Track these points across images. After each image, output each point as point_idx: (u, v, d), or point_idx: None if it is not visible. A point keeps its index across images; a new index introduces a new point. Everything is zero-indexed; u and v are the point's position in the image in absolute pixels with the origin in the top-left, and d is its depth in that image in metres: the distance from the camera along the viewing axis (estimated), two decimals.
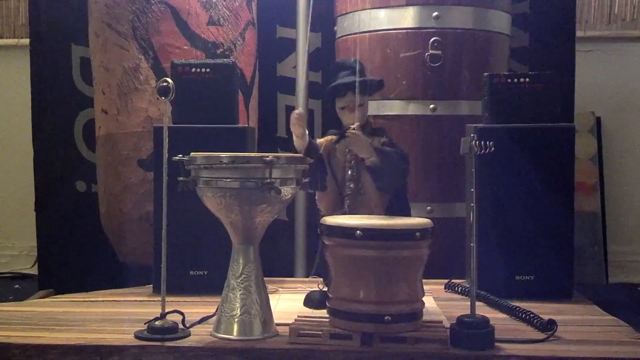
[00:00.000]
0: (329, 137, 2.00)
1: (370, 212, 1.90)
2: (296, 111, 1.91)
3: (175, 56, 2.52)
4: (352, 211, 1.92)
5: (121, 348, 1.64)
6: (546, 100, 2.22)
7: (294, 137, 1.91)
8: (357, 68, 1.94)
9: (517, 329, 1.80)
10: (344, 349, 1.61)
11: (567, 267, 2.16)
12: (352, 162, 1.94)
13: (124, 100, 2.61)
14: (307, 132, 1.92)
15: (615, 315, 1.96)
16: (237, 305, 1.69)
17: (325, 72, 3.01)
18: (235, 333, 1.68)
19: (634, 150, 3.72)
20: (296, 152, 1.89)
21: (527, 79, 2.23)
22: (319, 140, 1.98)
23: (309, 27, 2.19)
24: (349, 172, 1.94)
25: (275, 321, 1.74)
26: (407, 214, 1.94)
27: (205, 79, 2.27)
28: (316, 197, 1.98)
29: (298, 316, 1.76)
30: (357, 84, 1.90)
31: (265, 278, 1.76)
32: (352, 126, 1.91)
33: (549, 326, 1.75)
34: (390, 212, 1.90)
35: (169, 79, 1.76)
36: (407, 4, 2.60)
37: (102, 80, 2.69)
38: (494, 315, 1.88)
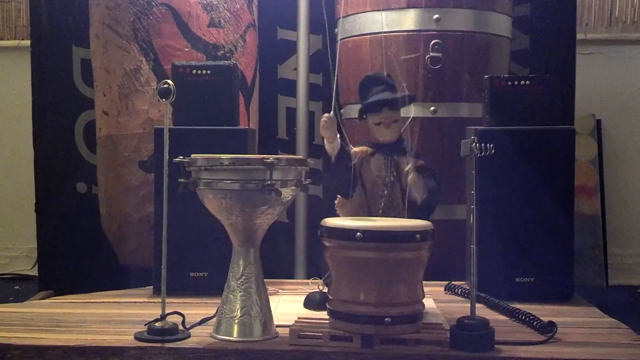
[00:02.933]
0: (363, 148, 1.99)
1: None
2: (326, 114, 1.90)
3: (176, 58, 2.52)
4: None
5: (121, 349, 1.64)
6: (546, 102, 2.22)
7: (325, 141, 1.91)
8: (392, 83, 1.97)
9: (517, 330, 1.81)
10: (344, 351, 1.61)
11: (567, 269, 2.16)
12: (389, 182, 1.94)
13: (124, 101, 2.61)
14: (338, 136, 1.92)
15: (615, 317, 1.96)
16: (238, 306, 1.69)
17: (326, 74, 3.01)
18: (235, 334, 1.68)
19: (635, 153, 3.73)
20: (298, 155, 1.89)
21: (527, 82, 2.23)
22: (354, 150, 1.98)
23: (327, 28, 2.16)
24: (385, 192, 1.94)
25: (276, 323, 1.75)
26: None
27: (206, 80, 2.27)
28: (336, 202, 1.96)
29: (298, 318, 1.76)
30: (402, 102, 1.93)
31: (265, 279, 1.76)
32: (408, 168, 1.89)
33: (549, 328, 1.75)
34: None
35: (169, 81, 1.77)
36: (408, 7, 2.60)
37: (103, 81, 2.69)
38: (494, 317, 1.88)
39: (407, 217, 1.90)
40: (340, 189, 1.93)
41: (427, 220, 1.88)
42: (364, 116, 1.98)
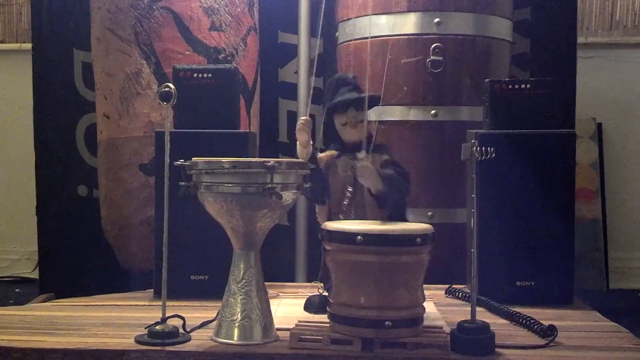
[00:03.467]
0: (329, 153, 1.98)
1: None
2: (303, 117, 1.90)
3: (177, 61, 2.52)
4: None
5: (122, 352, 1.64)
6: (547, 106, 2.22)
7: (298, 145, 1.90)
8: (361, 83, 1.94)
9: (518, 334, 1.80)
10: (345, 354, 1.61)
11: (567, 272, 2.16)
12: (352, 181, 1.93)
13: (125, 105, 2.62)
14: (311, 141, 1.91)
15: (615, 321, 1.96)
16: (238, 310, 1.69)
17: (327, 78, 3.01)
18: (235, 338, 1.68)
19: (635, 157, 3.73)
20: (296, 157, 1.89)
21: (528, 85, 2.23)
22: (320, 155, 1.96)
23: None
24: (349, 189, 1.93)
25: (276, 326, 1.75)
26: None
27: (207, 84, 2.27)
28: (317, 210, 1.98)
29: (299, 321, 1.76)
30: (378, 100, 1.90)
31: (265, 283, 1.76)
32: (360, 156, 1.87)
33: (549, 332, 1.75)
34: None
35: (170, 84, 1.77)
36: (409, 10, 2.60)
37: (104, 85, 2.69)
38: (494, 321, 1.88)
39: (373, 214, 1.88)
40: (313, 196, 1.92)
41: (401, 208, 1.87)
42: (331, 117, 1.97)
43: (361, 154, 1.88)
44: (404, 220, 1.89)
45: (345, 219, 1.91)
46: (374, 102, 1.95)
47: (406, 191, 1.92)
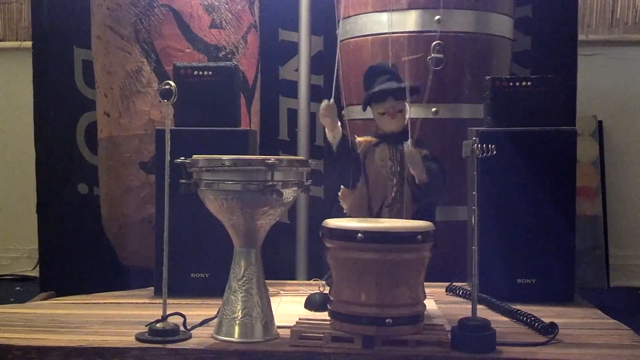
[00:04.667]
0: (368, 138, 1.97)
1: None
2: (325, 101, 1.88)
3: (177, 59, 2.52)
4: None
5: (122, 350, 1.64)
6: (548, 103, 2.22)
7: (326, 130, 1.89)
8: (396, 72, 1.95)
9: (519, 332, 1.80)
10: (346, 352, 1.61)
11: (568, 270, 2.16)
12: (396, 172, 1.93)
13: (126, 103, 2.62)
14: (339, 123, 1.89)
15: (616, 318, 1.96)
16: (239, 307, 1.69)
17: (328, 75, 3.01)
18: (236, 335, 1.68)
19: (636, 154, 3.72)
20: (299, 156, 1.89)
21: (529, 83, 2.23)
22: (358, 139, 1.96)
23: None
24: (393, 180, 1.93)
25: (277, 324, 1.75)
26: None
27: (207, 81, 2.27)
28: (340, 194, 1.94)
29: (299, 319, 1.76)
30: (407, 90, 1.90)
31: (266, 280, 1.76)
32: (407, 144, 1.87)
33: (550, 329, 1.75)
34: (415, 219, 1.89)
35: (171, 82, 1.77)
36: (409, 8, 2.60)
37: (105, 83, 2.69)
38: (495, 318, 1.88)
39: (413, 205, 1.88)
40: (343, 180, 1.92)
41: (430, 209, 1.87)
42: (369, 106, 1.97)
43: (407, 142, 1.87)
44: (432, 218, 1.89)
45: (390, 211, 1.90)
46: (413, 91, 1.94)
47: (444, 188, 1.93)
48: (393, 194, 1.92)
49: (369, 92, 1.95)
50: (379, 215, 1.92)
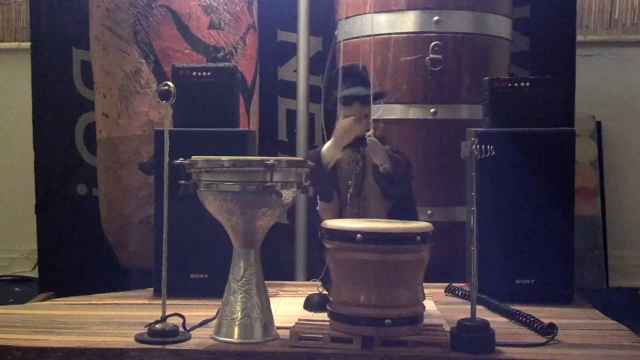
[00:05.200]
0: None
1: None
2: (370, 132, 1.90)
3: (176, 60, 2.52)
4: (353, 217, 1.92)
5: (122, 351, 1.64)
6: (546, 104, 2.22)
7: (333, 143, 1.91)
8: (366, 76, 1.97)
9: (518, 332, 1.81)
10: (345, 353, 1.61)
11: (567, 271, 2.16)
12: (357, 169, 1.94)
13: (124, 103, 2.61)
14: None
15: (615, 319, 1.96)
16: (238, 308, 1.69)
17: (327, 76, 3.01)
18: (236, 336, 1.68)
19: (635, 155, 3.73)
20: (298, 156, 1.89)
21: (527, 83, 2.23)
22: (323, 152, 1.97)
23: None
24: (352, 179, 1.94)
25: (276, 324, 1.75)
26: (414, 218, 1.94)
27: (206, 82, 2.27)
28: (318, 208, 1.97)
29: (299, 319, 1.76)
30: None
31: (265, 281, 1.76)
32: (368, 134, 1.89)
33: (549, 330, 1.75)
34: (392, 218, 1.90)
35: (170, 83, 1.77)
36: (408, 8, 2.60)
37: (103, 83, 2.69)
38: (494, 319, 1.88)
39: (385, 201, 1.89)
40: (322, 193, 1.92)
41: (405, 193, 1.87)
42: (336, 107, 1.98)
43: (369, 132, 1.89)
44: (413, 209, 1.90)
45: (350, 211, 1.91)
46: (378, 97, 1.95)
47: (411, 177, 1.93)
48: (363, 195, 1.93)
49: (338, 94, 1.96)
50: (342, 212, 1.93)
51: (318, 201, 1.96)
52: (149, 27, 2.58)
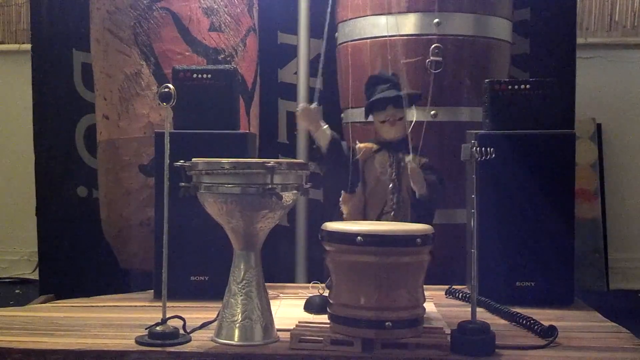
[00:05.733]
0: (368, 144, 1.99)
1: None
2: (301, 104, 1.92)
3: (176, 62, 2.52)
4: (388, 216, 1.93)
5: (122, 353, 1.64)
6: (547, 106, 2.22)
7: (311, 132, 1.92)
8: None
9: (518, 335, 1.80)
10: (345, 355, 1.61)
11: (567, 273, 2.16)
12: (395, 179, 1.94)
13: (125, 105, 2.62)
14: (324, 126, 1.92)
15: (616, 321, 1.96)
16: (238, 310, 1.69)
17: (327, 78, 3.01)
18: (236, 338, 1.68)
19: (635, 157, 3.73)
20: (299, 158, 1.89)
21: (527, 86, 2.23)
22: (359, 145, 1.98)
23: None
24: (390, 187, 1.94)
25: (276, 327, 1.75)
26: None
27: (206, 84, 2.27)
28: (340, 199, 1.97)
29: (299, 322, 1.76)
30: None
31: (266, 283, 1.76)
32: (409, 159, 1.90)
33: (549, 332, 1.75)
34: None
35: (170, 85, 1.77)
36: (408, 11, 2.60)
37: (104, 85, 2.69)
38: (494, 321, 1.88)
39: (411, 213, 1.90)
40: (342, 184, 1.93)
41: (429, 217, 1.88)
42: (370, 114, 1.99)
43: (409, 157, 1.90)
44: (432, 217, 1.92)
45: (395, 215, 1.92)
46: (413, 100, 1.96)
47: (442, 197, 1.96)
48: (392, 201, 1.93)
49: (369, 101, 1.97)
50: (365, 215, 1.94)
51: (342, 192, 1.96)
52: (150, 29, 2.59)
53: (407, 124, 1.96)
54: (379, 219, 1.93)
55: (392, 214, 1.93)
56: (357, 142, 1.98)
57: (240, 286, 1.70)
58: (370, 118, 2.02)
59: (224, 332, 1.70)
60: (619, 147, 3.73)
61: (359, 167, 1.95)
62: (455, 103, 2.61)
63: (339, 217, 1.93)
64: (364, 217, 1.94)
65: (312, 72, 2.98)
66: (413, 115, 1.99)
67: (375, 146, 1.98)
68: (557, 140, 2.18)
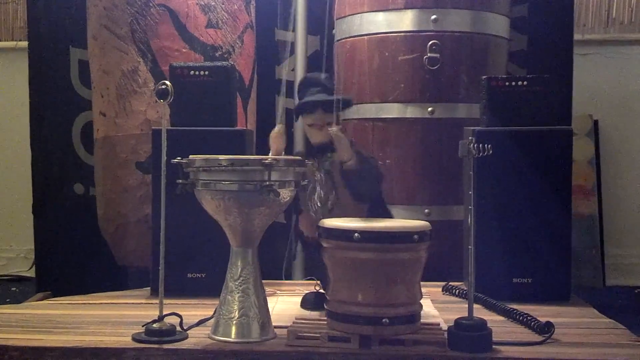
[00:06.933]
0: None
1: None
2: (277, 126, 1.89)
3: (173, 59, 2.52)
4: None
5: (119, 351, 1.64)
6: (544, 103, 2.22)
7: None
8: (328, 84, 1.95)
9: (515, 331, 1.81)
10: (343, 352, 1.61)
11: (564, 269, 2.16)
12: (321, 177, 1.92)
13: (122, 103, 2.61)
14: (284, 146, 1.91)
15: (612, 317, 1.96)
16: (235, 307, 1.69)
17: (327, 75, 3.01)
18: (233, 335, 1.68)
19: (632, 153, 3.73)
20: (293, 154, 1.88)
21: (525, 82, 2.23)
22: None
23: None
24: (318, 189, 1.92)
25: (274, 323, 1.75)
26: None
27: (203, 81, 2.27)
28: (299, 222, 1.97)
29: (296, 318, 1.76)
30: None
31: (263, 280, 1.76)
32: (333, 128, 1.85)
33: (546, 329, 1.75)
34: None
35: (167, 82, 1.77)
36: (406, 7, 2.60)
37: (101, 83, 2.69)
38: (491, 318, 1.88)
39: (352, 207, 1.87)
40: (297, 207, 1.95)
41: (376, 191, 1.86)
42: (299, 116, 1.96)
43: (334, 127, 1.86)
44: (387, 211, 1.89)
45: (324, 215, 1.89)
46: (343, 105, 1.92)
47: (379, 175, 1.92)
48: (334, 202, 1.90)
49: (299, 103, 1.95)
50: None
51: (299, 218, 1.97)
52: (147, 25, 2.58)
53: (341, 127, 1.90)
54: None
55: (326, 208, 1.90)
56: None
57: (237, 283, 1.70)
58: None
59: (221, 329, 1.70)
60: (616, 143, 3.73)
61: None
62: (452, 100, 2.61)
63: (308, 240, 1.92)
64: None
65: (309, 68, 2.98)
66: (340, 119, 1.94)
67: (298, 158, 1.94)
68: (554, 137, 2.18)
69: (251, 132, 2.50)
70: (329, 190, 1.90)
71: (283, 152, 1.89)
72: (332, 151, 1.89)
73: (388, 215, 1.91)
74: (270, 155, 1.82)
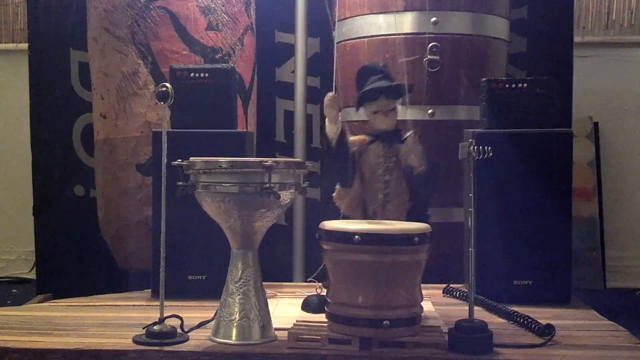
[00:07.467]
0: (362, 137, 1.98)
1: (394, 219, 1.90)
2: (330, 93, 1.90)
3: (174, 61, 2.52)
4: (379, 217, 1.91)
5: (119, 353, 1.64)
6: (544, 105, 2.22)
7: (327, 122, 1.90)
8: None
9: (515, 333, 1.81)
10: (343, 354, 1.61)
11: (565, 271, 2.16)
12: (391, 164, 1.94)
13: (122, 105, 2.61)
14: (340, 118, 1.91)
15: (613, 319, 1.96)
16: (236, 309, 1.69)
17: (324, 76, 3.01)
18: (233, 337, 1.68)
19: (632, 155, 3.73)
20: (296, 157, 1.89)
21: (525, 84, 2.23)
22: (352, 138, 1.97)
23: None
24: (384, 177, 1.94)
25: (274, 326, 1.75)
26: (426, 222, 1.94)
27: (204, 83, 2.27)
28: (335, 195, 1.95)
29: (297, 321, 1.76)
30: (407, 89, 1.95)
31: (263, 282, 1.76)
32: (408, 135, 1.91)
33: (547, 331, 1.75)
34: (409, 219, 1.90)
35: (167, 84, 1.77)
36: (406, 10, 2.60)
37: (101, 85, 2.69)
38: (492, 320, 1.88)
39: (408, 202, 1.89)
40: (342, 177, 1.93)
41: (429, 197, 1.88)
42: (362, 105, 1.98)
43: (410, 132, 1.92)
44: (426, 216, 1.91)
45: (383, 209, 1.91)
46: (405, 90, 1.96)
47: (435, 185, 1.96)
48: (387, 191, 1.93)
49: (361, 91, 1.97)
50: (375, 213, 1.93)
51: (336, 187, 1.95)
52: (147, 28, 2.58)
53: (397, 115, 1.96)
54: (375, 210, 1.92)
55: (386, 203, 1.92)
56: (350, 135, 1.98)
57: (237, 285, 1.70)
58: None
59: (221, 331, 1.70)
60: (616, 145, 3.73)
61: (354, 161, 1.95)
62: (452, 102, 2.61)
63: (335, 213, 1.92)
64: (363, 211, 1.94)
65: (309, 70, 2.98)
66: (403, 108, 1.99)
67: (368, 138, 1.98)
68: (554, 139, 2.18)
69: (251, 134, 2.50)
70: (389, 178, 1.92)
71: (339, 119, 1.90)
72: (397, 139, 1.93)
73: (426, 218, 1.92)
74: (327, 123, 1.87)
